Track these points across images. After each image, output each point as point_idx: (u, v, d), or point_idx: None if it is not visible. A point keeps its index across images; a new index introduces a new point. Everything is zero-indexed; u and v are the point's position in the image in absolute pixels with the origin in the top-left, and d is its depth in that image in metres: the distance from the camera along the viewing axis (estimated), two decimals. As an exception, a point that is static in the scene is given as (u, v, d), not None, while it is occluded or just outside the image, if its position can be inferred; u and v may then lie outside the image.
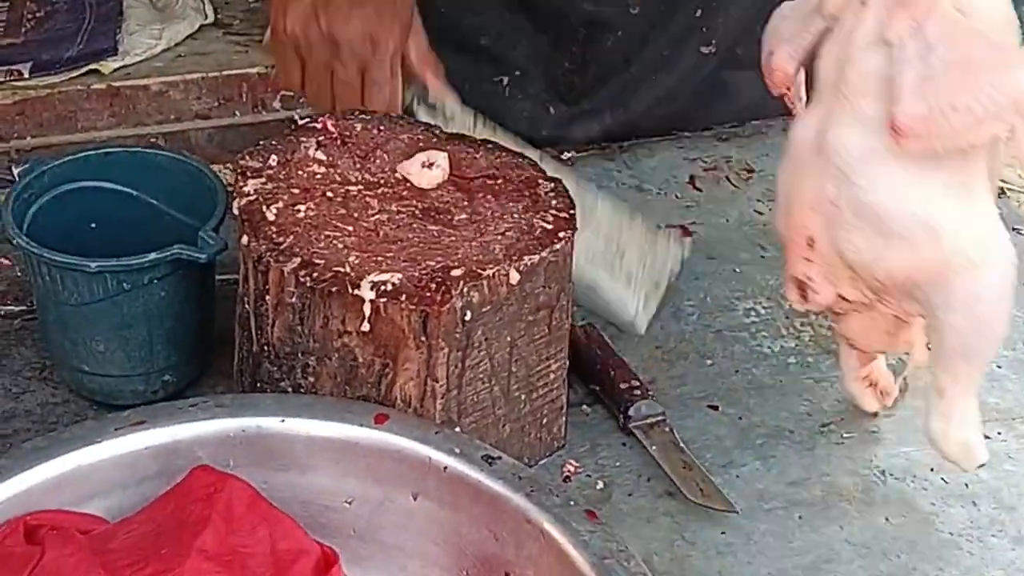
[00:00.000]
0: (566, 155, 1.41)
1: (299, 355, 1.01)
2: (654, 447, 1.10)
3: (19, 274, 1.23)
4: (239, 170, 1.06)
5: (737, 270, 1.30)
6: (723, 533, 1.04)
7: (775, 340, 1.22)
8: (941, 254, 0.94)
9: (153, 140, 1.76)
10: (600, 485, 1.07)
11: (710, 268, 1.30)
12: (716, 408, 1.15)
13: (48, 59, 1.76)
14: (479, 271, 0.98)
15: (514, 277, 0.99)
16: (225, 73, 1.83)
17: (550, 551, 0.89)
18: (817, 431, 1.13)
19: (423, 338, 0.98)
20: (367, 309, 0.97)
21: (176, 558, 0.84)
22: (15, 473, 0.89)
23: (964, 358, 0.98)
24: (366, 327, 0.98)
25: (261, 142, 1.09)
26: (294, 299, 0.99)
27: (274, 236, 1.00)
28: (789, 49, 0.99)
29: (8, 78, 1.75)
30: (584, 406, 1.14)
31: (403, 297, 0.97)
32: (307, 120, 1.12)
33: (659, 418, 1.12)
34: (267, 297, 1.00)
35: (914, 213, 0.94)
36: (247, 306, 1.03)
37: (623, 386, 1.14)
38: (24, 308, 1.19)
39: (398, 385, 1.00)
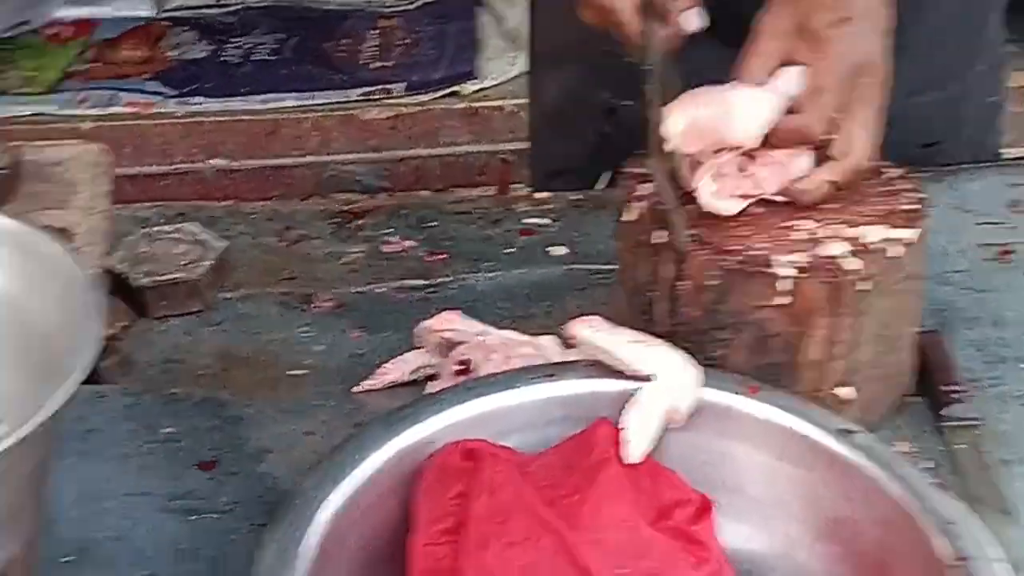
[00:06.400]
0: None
1: (712, 331, 1.16)
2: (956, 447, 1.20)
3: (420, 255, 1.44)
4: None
5: (1057, 291, 1.38)
6: (1047, 523, 1.12)
7: (1098, 356, 1.31)
8: None
9: (503, 157, 1.94)
10: (931, 465, 1.18)
11: (1031, 287, 1.39)
12: (1035, 410, 1.24)
13: (418, 80, 1.99)
14: (867, 245, 1.14)
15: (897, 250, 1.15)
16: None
17: (899, 515, 1.01)
18: None
19: (831, 308, 1.13)
20: (785, 286, 1.12)
21: (584, 483, 1.01)
22: (451, 406, 1.07)
23: None
24: (785, 300, 1.13)
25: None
26: (715, 281, 1.14)
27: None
28: None
29: (383, 96, 1.98)
30: (916, 396, 1.25)
31: (815, 272, 1.12)
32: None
33: (972, 422, 1.22)
34: (682, 282, 1.15)
35: None
36: (644, 292, 1.19)
37: (943, 388, 1.25)
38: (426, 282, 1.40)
39: (805, 352, 1.15)
